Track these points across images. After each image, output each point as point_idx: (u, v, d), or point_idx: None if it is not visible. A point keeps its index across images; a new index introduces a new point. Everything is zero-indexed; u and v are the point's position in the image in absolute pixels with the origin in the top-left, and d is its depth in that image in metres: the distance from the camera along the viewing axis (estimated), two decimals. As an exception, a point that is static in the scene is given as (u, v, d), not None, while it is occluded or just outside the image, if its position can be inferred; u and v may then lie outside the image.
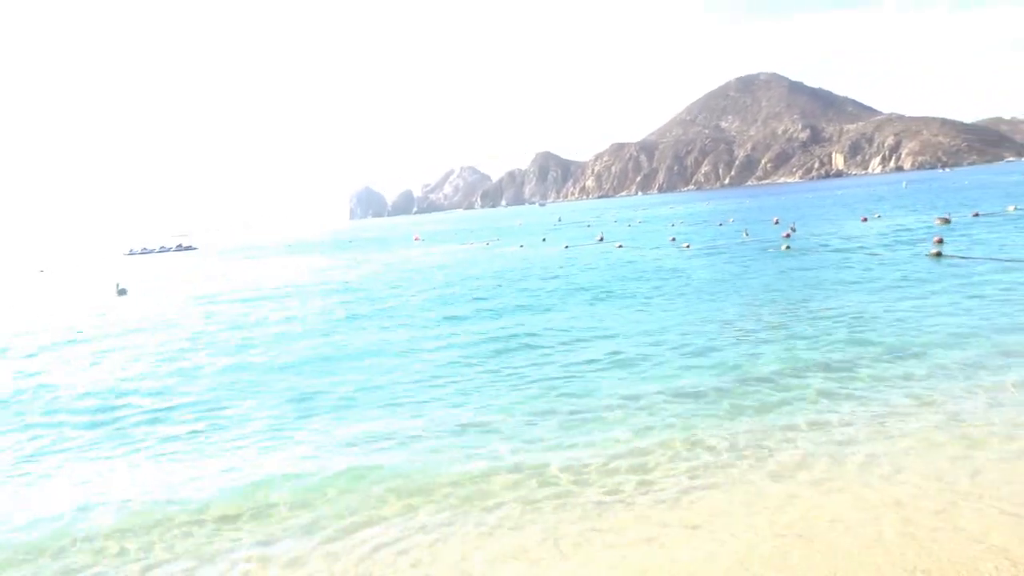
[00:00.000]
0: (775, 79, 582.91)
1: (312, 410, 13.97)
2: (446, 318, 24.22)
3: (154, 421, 14.21)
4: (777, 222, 59.81)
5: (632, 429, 11.32)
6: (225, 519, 9.26)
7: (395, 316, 25.47)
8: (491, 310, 25.21)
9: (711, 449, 10.24)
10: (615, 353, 16.67)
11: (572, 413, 12.43)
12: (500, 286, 32.27)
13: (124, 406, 15.50)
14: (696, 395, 12.86)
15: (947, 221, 44.30)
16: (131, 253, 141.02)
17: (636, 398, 12.95)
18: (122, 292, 45.60)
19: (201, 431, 13.23)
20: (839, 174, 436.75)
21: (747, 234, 49.02)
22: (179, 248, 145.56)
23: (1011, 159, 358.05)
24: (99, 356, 22.22)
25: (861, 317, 18.34)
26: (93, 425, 14.25)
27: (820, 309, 20.00)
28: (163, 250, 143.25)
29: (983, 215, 46.92)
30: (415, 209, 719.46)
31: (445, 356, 17.99)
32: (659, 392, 13.14)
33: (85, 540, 8.99)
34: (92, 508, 9.97)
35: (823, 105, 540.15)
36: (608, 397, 13.16)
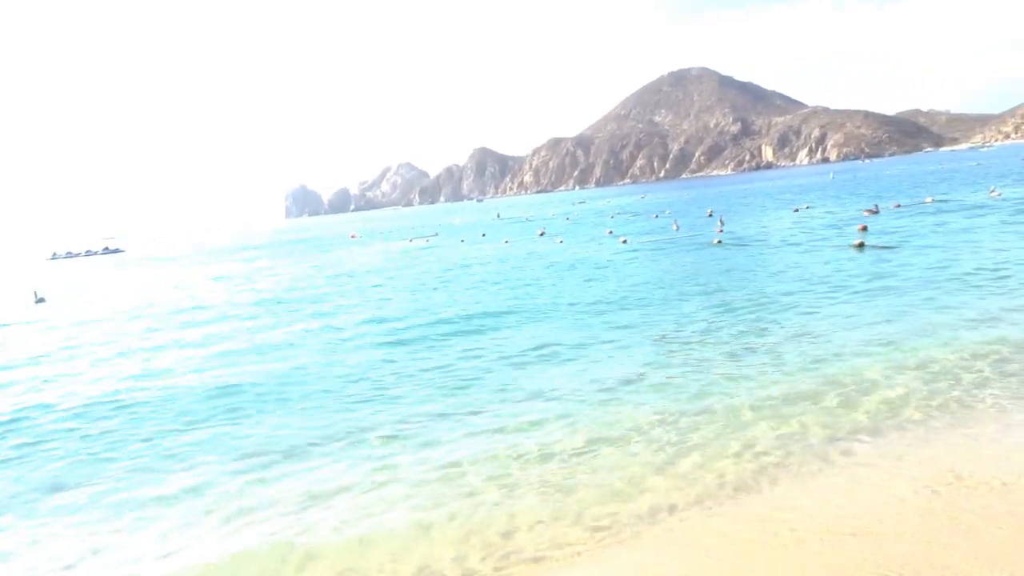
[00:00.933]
0: (706, 74, 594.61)
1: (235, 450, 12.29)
2: (377, 335, 23.82)
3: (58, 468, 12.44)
4: (711, 214, 61.08)
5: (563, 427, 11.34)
6: None
7: (320, 338, 22.24)
8: (447, 319, 24.88)
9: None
10: (542, 347, 16.75)
11: (474, 413, 12.40)
12: (446, 290, 31.93)
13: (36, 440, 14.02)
14: (614, 389, 12.95)
15: (875, 212, 45.54)
16: (55, 257, 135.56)
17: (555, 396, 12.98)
18: (40, 300, 43.80)
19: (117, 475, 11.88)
20: (769, 166, 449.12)
21: (677, 227, 50.15)
22: (106, 251, 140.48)
23: (929, 149, 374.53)
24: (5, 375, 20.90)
25: (783, 311, 18.79)
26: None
27: (745, 303, 20.28)
28: (89, 253, 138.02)
29: (904, 206, 48.72)
30: (352, 207, 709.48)
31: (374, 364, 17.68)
32: (581, 387, 13.20)
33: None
34: None
35: (752, 99, 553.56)
36: (528, 395, 13.15)
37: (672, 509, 8.40)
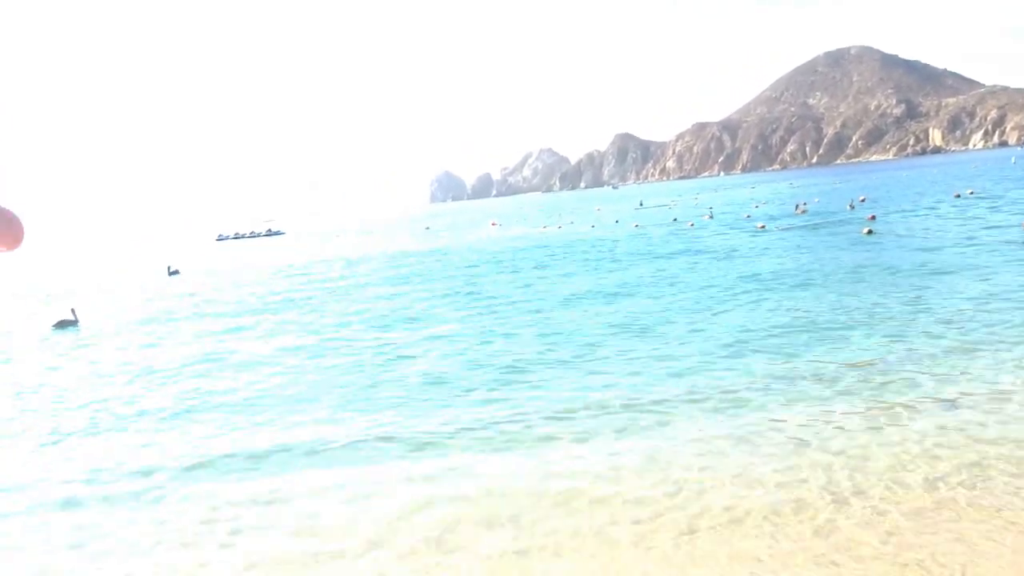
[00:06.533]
0: (867, 52, 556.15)
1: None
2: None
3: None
4: (864, 200, 57.80)
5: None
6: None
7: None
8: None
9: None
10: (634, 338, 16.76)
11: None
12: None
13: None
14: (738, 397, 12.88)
15: None
16: (221, 238, 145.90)
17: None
18: (174, 273, 48.26)
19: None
20: (937, 150, 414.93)
21: (802, 208, 49.69)
22: (268, 233, 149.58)
23: None
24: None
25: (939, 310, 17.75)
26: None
27: (896, 301, 19.14)
28: (253, 235, 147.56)
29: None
30: (494, 192, 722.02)
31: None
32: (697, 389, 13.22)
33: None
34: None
35: (920, 79, 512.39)
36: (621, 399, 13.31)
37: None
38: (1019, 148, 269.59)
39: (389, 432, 11.34)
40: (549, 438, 10.56)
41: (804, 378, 12.12)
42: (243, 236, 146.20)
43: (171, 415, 13.55)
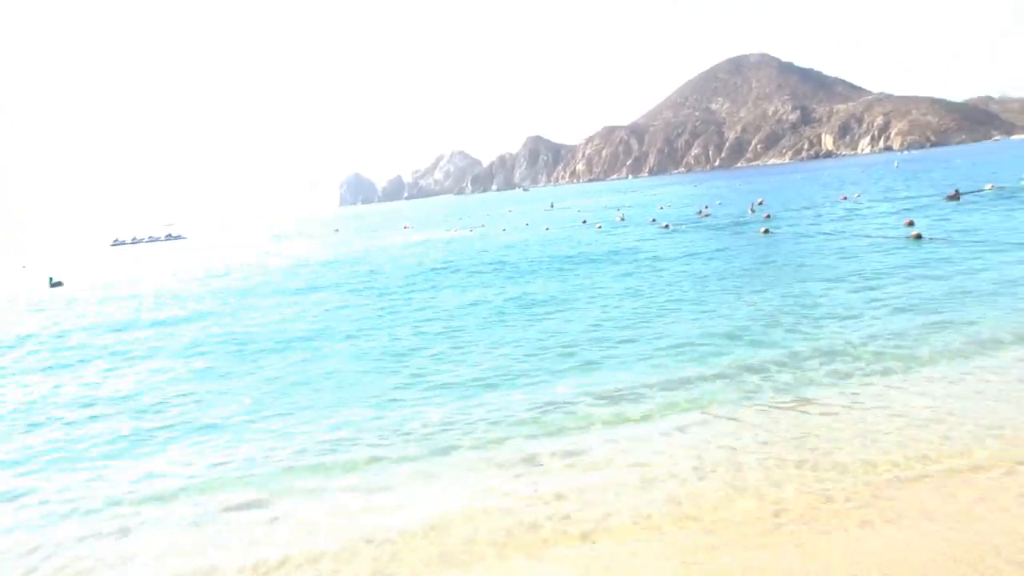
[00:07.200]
0: (765, 60, 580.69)
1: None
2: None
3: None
4: (761, 202, 60.22)
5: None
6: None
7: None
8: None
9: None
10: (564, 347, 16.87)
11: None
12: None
13: None
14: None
15: (956, 197, 43.12)
16: (117, 243, 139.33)
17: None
18: (56, 284, 45.93)
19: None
20: (828, 154, 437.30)
21: (705, 212, 52.12)
22: (168, 238, 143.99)
23: (999, 137, 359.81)
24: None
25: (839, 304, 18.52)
26: None
27: (786, 296, 20.07)
28: (152, 239, 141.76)
29: (963, 193, 46.96)
30: (405, 195, 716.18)
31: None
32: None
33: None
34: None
35: (813, 86, 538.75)
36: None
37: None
38: (901, 152, 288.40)
39: (296, 454, 10.99)
40: (475, 446, 10.48)
41: (678, 385, 12.41)
42: (141, 241, 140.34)
43: (37, 447, 12.71)
